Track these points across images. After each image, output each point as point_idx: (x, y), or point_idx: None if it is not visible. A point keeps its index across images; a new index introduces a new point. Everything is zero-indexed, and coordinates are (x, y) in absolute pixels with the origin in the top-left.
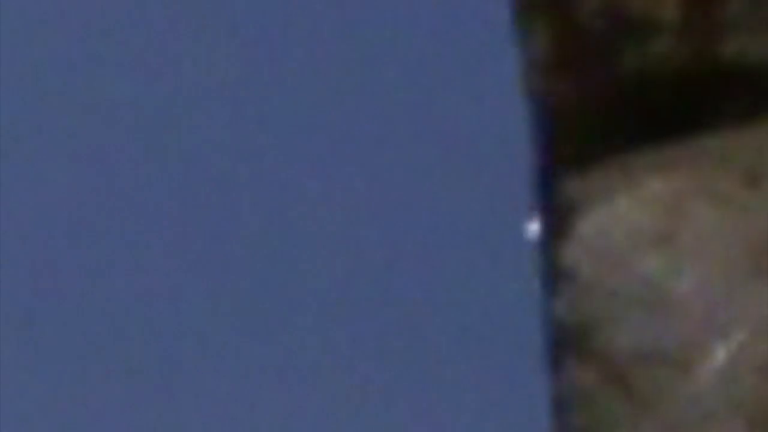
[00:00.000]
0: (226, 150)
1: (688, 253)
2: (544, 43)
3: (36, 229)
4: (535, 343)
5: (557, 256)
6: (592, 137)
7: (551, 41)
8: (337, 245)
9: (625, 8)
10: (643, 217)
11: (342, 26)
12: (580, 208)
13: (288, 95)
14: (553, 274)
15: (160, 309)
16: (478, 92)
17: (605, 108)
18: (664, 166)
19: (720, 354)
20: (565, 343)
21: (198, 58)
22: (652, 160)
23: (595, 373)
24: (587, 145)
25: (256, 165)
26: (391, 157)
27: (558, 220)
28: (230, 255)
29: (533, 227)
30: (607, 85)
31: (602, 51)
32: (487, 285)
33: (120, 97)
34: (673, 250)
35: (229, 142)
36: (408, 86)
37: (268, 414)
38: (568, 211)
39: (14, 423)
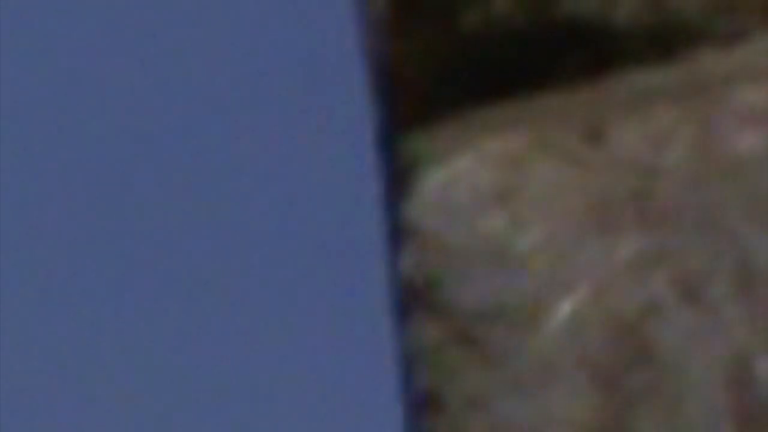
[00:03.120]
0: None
1: (531, 209)
2: (383, 2)
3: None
4: (381, 302)
5: (401, 214)
6: (433, 96)
7: (390, 1)
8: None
9: None
10: (486, 174)
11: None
12: (423, 165)
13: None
14: (398, 232)
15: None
16: (316, 52)
17: (445, 67)
18: (505, 124)
19: (564, 309)
20: (411, 300)
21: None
22: (493, 117)
23: (440, 329)
24: (428, 104)
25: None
26: (230, 115)
27: (401, 177)
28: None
29: (377, 184)
30: (447, 44)
31: (442, 11)
32: (332, 243)
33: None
34: (516, 207)
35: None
36: (246, 44)
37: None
38: (410, 169)
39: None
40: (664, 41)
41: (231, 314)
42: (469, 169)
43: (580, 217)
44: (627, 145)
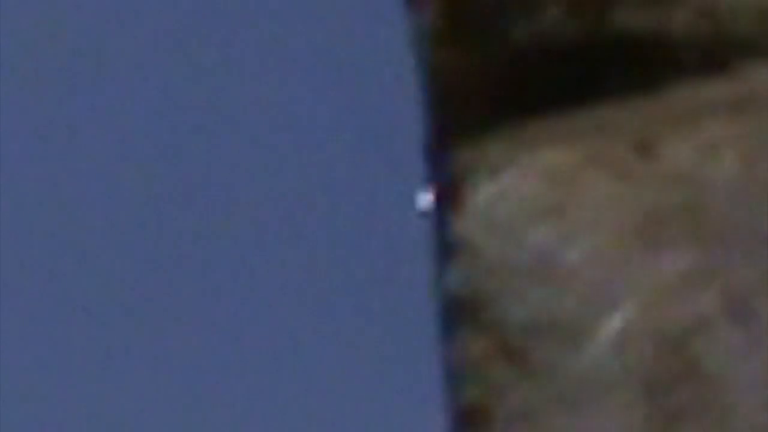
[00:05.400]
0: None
1: (580, 223)
2: (436, 13)
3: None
4: (428, 315)
5: (450, 228)
6: (484, 108)
7: (443, 12)
8: (231, 222)
9: None
10: (535, 188)
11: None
12: (472, 179)
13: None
14: (446, 246)
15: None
16: (369, 63)
17: (497, 79)
18: (556, 137)
19: (613, 324)
20: (458, 314)
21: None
22: (543, 131)
23: (487, 345)
24: (479, 117)
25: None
26: (281, 127)
27: (450, 191)
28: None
29: (426, 198)
30: (499, 56)
31: (494, 23)
32: (380, 256)
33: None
34: (565, 221)
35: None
36: (298, 56)
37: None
38: (460, 183)
39: None
40: (717, 55)
41: (274, 326)
42: (518, 183)
43: (629, 232)
44: (677, 159)
